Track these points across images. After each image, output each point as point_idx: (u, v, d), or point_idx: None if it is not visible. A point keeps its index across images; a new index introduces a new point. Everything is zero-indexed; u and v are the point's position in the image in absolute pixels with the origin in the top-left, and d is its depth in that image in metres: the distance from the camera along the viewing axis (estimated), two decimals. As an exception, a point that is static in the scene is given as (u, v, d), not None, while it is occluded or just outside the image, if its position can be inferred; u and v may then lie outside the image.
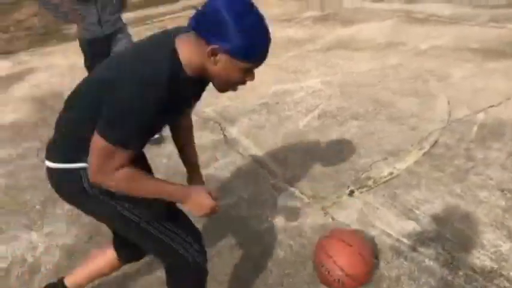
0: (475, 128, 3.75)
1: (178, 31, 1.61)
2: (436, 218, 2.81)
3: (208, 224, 2.90)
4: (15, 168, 3.97)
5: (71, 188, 1.74)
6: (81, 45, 4.09)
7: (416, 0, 8.06)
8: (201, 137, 4.09)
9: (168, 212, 1.83)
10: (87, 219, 3.15)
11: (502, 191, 2.99)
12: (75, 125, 1.68)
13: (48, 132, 4.47)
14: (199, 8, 1.48)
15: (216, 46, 1.44)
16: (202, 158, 3.75)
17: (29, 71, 6.66)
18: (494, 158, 3.32)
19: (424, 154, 3.48)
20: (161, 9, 9.79)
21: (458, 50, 5.55)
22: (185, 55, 1.53)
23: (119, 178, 1.57)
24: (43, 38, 8.73)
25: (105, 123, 1.51)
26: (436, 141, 3.62)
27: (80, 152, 1.63)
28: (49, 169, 1.77)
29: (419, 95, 4.46)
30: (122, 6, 4.15)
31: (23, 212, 3.33)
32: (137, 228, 1.77)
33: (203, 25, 1.46)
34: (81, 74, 5.79)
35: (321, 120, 4.19)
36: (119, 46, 4.00)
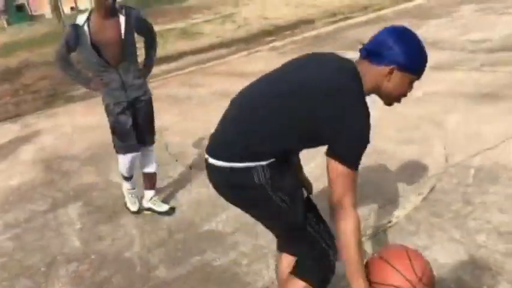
0: (471, 172, 3.79)
1: (345, 58, 1.94)
2: (436, 265, 2.81)
3: (212, 276, 2.92)
4: (22, 231, 4.03)
5: (243, 185, 1.89)
6: (108, 115, 3.75)
7: (411, 48, 8.27)
8: (200, 193, 4.16)
9: (318, 216, 2.15)
10: (90, 280, 3.19)
11: (501, 234, 3.01)
12: (271, 135, 1.86)
13: (54, 194, 4.60)
14: (366, 42, 1.90)
15: (393, 66, 1.83)
16: (201, 214, 3.82)
17: (35, 133, 6.83)
18: (491, 202, 3.35)
19: (422, 200, 3.52)
20: (164, 66, 10.05)
21: (453, 95, 5.66)
22: (364, 78, 1.87)
23: (355, 220, 1.83)
24: (49, 100, 8.98)
25: (346, 151, 1.79)
26: (433, 187, 3.66)
27: (258, 151, 1.85)
28: (218, 168, 1.91)
29: (415, 142, 4.54)
30: (148, 70, 3.90)
31: (27, 274, 3.37)
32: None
33: (374, 52, 1.85)
34: (85, 134, 5.85)
35: (320, 171, 4.24)
36: (143, 111, 3.81)
